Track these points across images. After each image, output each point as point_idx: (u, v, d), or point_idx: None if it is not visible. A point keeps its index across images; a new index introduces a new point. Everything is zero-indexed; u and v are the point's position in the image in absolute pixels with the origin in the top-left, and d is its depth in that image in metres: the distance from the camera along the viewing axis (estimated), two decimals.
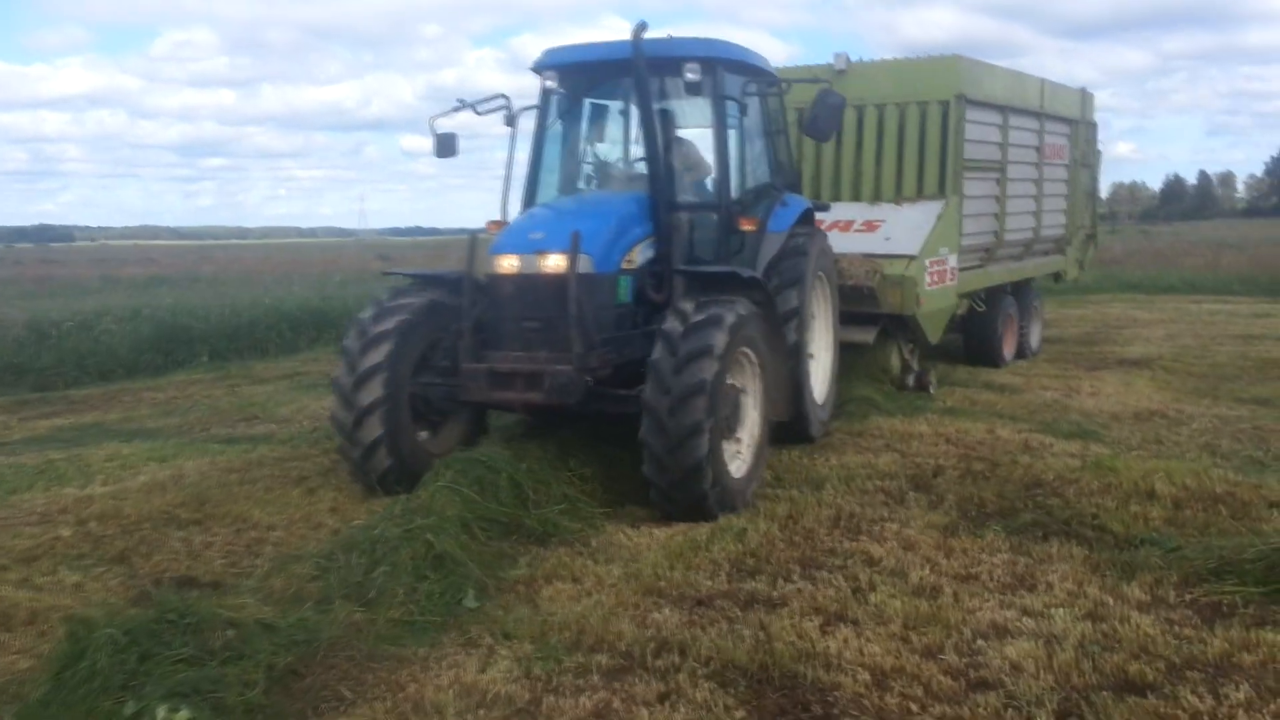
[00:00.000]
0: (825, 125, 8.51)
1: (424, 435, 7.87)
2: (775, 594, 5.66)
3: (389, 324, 7.41)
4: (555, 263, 7.05)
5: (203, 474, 8.25)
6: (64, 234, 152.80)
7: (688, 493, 6.69)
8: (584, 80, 8.60)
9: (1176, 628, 5.15)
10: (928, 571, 5.97)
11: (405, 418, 7.45)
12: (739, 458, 7.36)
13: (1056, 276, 15.57)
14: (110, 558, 6.22)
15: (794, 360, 8.44)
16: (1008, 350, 13.62)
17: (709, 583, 5.79)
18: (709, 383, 6.55)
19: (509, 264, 7.26)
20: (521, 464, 6.95)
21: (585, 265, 7.07)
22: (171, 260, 53.19)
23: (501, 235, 7.58)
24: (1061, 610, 5.37)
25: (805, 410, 8.79)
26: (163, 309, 18.47)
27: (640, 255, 7.69)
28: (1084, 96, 15.11)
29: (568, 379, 6.79)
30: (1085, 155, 15.30)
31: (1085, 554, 6.24)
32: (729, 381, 7.02)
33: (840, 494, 7.58)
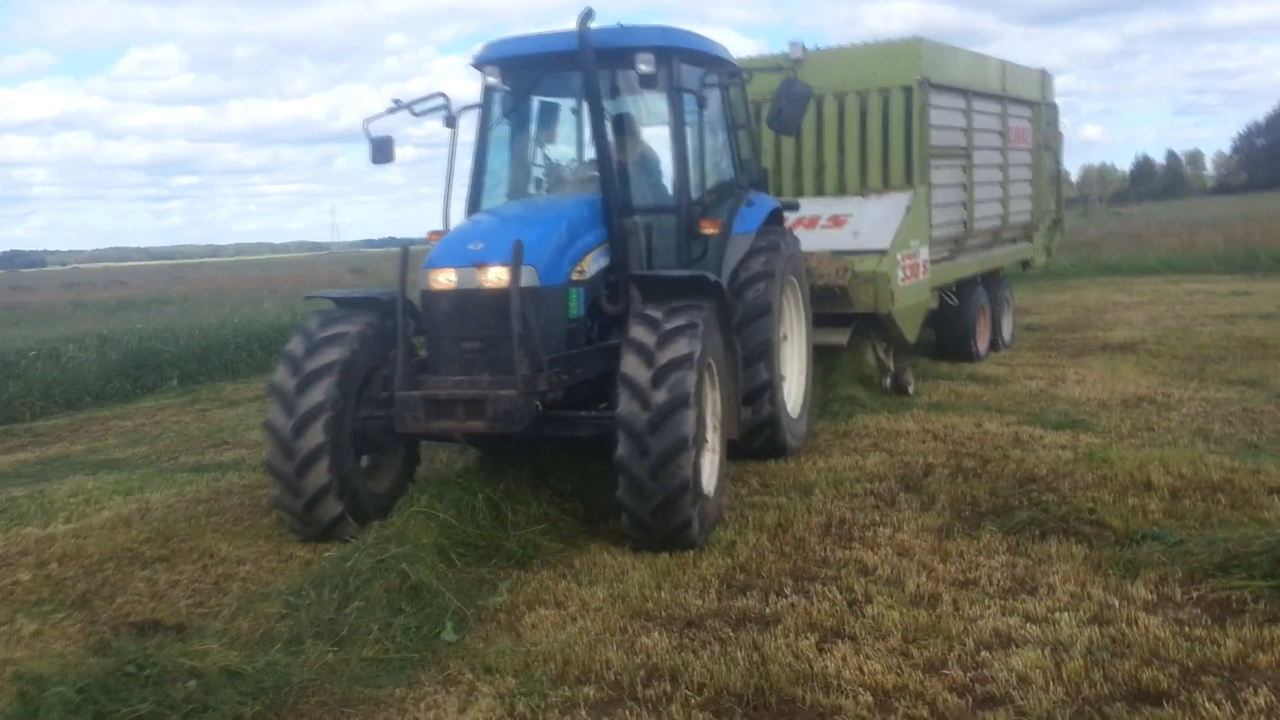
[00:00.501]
0: (791, 117, 7.82)
1: (363, 468, 7.20)
2: (768, 610, 5.43)
3: (327, 357, 6.69)
4: (496, 276, 6.40)
5: (169, 506, 7.94)
6: (36, 259, 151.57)
7: (671, 518, 6.13)
8: (529, 75, 7.93)
9: (1186, 628, 4.96)
10: (925, 578, 5.76)
11: (351, 458, 6.80)
12: (707, 473, 6.75)
13: (1025, 264, 15.30)
14: (71, 602, 5.91)
15: (766, 364, 8.00)
16: (981, 344, 13.27)
17: (698, 602, 5.56)
18: (691, 395, 6.07)
19: (445, 279, 6.57)
20: (499, 484, 6.69)
21: (530, 277, 6.45)
22: (142, 282, 52.70)
23: (437, 247, 6.89)
24: (1066, 614, 5.17)
25: (778, 421, 8.27)
26: (130, 333, 18.14)
27: (593, 264, 7.09)
28: (1043, 77, 14.83)
29: (512, 404, 6.16)
30: (1048, 138, 15.02)
31: (1086, 552, 6.04)
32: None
33: (830, 499, 7.36)
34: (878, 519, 6.88)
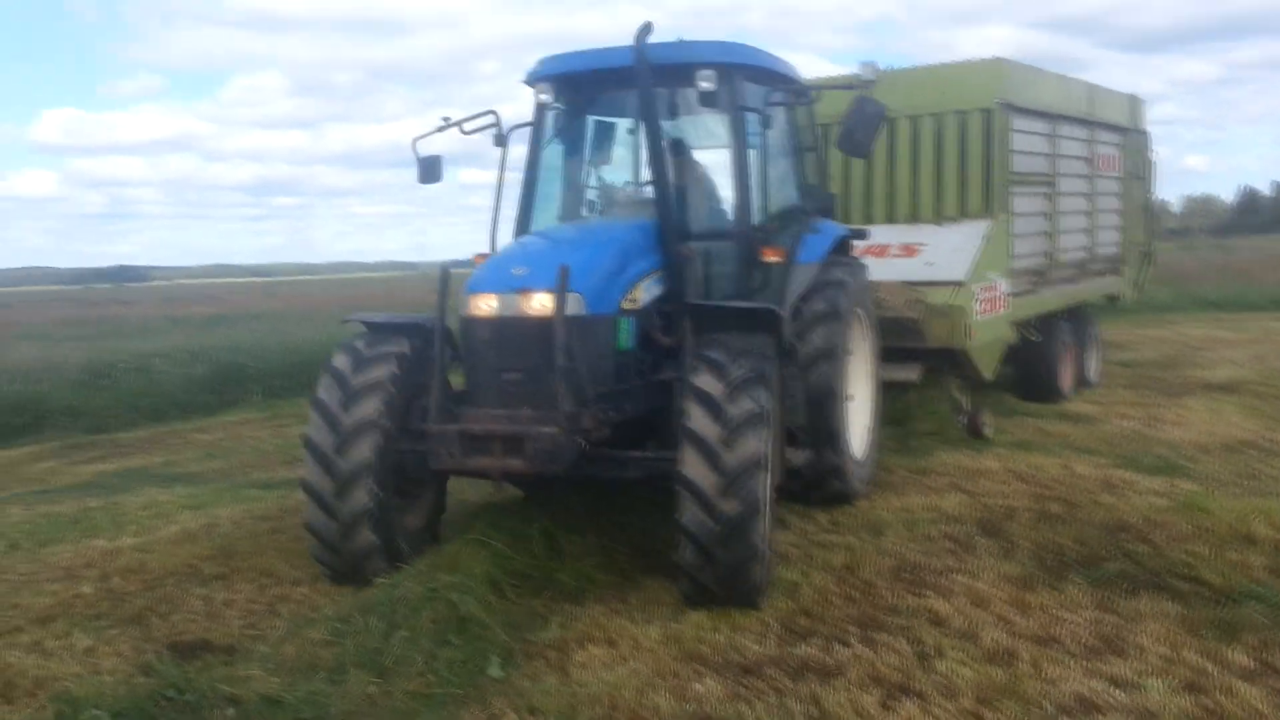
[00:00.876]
0: (863, 138, 7.19)
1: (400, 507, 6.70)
2: (830, 660, 5.15)
3: (376, 373, 6.29)
4: (540, 303, 6.00)
5: (235, 523, 7.95)
6: (141, 274, 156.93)
7: (738, 585, 5.66)
8: (583, 93, 7.55)
9: None
10: (1001, 633, 5.42)
11: (390, 488, 6.31)
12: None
13: (1112, 299, 14.46)
14: (127, 618, 5.90)
15: (831, 408, 7.46)
16: (1066, 383, 12.51)
17: (757, 647, 5.30)
18: (766, 456, 5.56)
19: (486, 305, 6.18)
20: (556, 512, 6.51)
21: (577, 305, 6.03)
22: (237, 298, 54.00)
23: (479, 270, 6.53)
24: (1156, 680, 4.79)
25: (844, 470, 7.69)
26: (219, 348, 18.49)
27: (645, 293, 6.62)
28: (1133, 103, 14.13)
29: (555, 443, 5.71)
30: (1137, 166, 14.28)
31: (1180, 611, 5.64)
32: None
33: (902, 541, 7.03)
34: (953, 565, 6.53)
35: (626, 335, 6.47)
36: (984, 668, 4.99)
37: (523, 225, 7.59)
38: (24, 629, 5.76)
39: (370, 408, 6.16)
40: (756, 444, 5.50)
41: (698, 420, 5.57)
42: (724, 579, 5.60)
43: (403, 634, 5.06)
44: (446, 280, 6.39)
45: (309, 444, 6.20)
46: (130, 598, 6.23)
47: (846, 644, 5.34)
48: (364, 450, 6.09)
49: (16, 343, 23.00)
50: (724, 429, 5.51)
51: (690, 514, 5.51)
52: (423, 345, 6.52)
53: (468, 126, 7.50)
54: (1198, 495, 7.73)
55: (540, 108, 7.58)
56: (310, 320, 29.64)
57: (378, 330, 6.73)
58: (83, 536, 7.68)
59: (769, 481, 5.65)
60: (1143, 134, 14.46)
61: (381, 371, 6.29)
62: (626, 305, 6.46)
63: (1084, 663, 5.04)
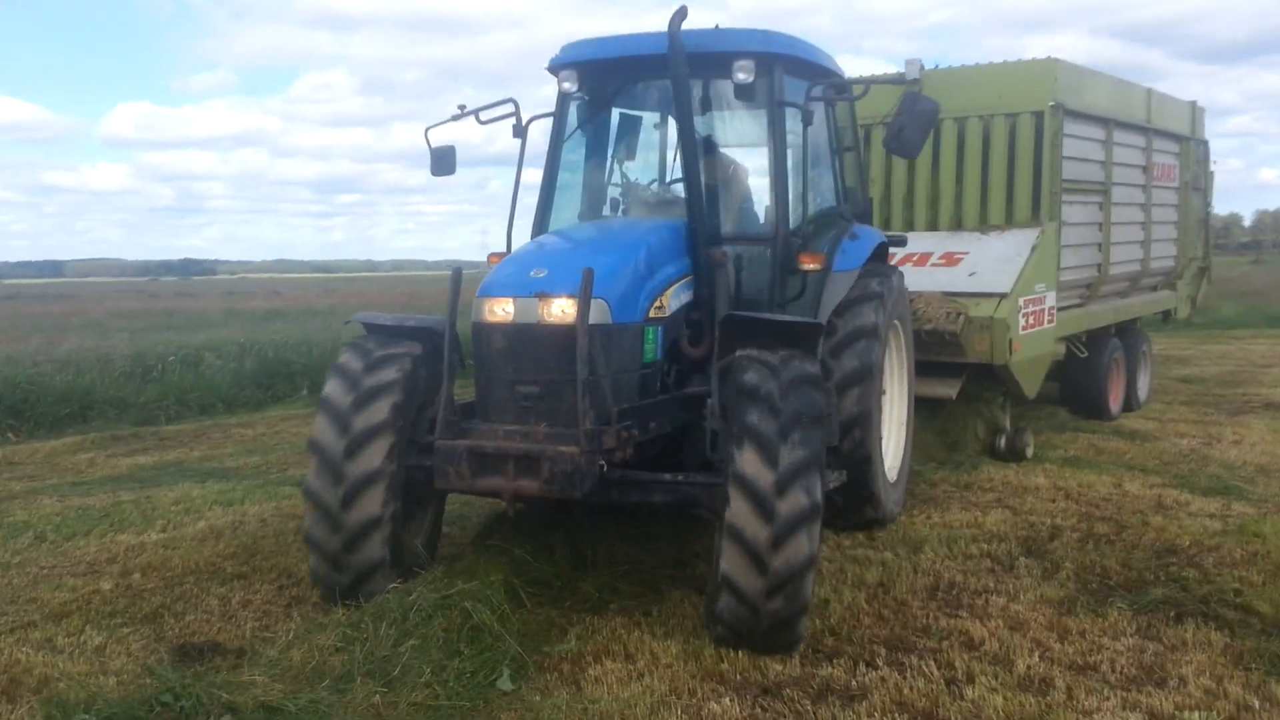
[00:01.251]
0: (912, 137, 6.70)
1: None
2: (854, 684, 4.94)
3: (389, 374, 5.82)
4: (560, 309, 5.48)
5: (263, 521, 7.92)
6: (208, 268, 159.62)
7: (781, 638, 5.18)
8: (611, 82, 7.05)
9: None
10: (1037, 659, 5.18)
11: (399, 498, 5.83)
12: None
13: (1166, 315, 13.78)
14: (142, 616, 5.84)
15: (864, 432, 6.99)
16: (1114, 402, 11.91)
17: (779, 667, 5.10)
18: (820, 504, 5.08)
19: (500, 310, 5.68)
20: (581, 520, 6.34)
21: (600, 313, 5.55)
22: (297, 293, 54.57)
23: (494, 272, 6.02)
24: (1197, 715, 4.54)
25: (875, 489, 7.21)
26: (270, 343, 18.58)
27: (673, 300, 6.17)
28: (1194, 110, 13.49)
29: (573, 464, 5.20)
30: (1196, 177, 13.64)
31: (1226, 641, 5.36)
32: None
33: (940, 559, 6.79)
34: (992, 585, 6.29)
35: (653, 346, 6.01)
36: (1016, 696, 4.76)
37: (541, 224, 7.17)
38: (38, 624, 5.72)
39: (384, 410, 5.71)
40: (812, 492, 5.01)
41: (749, 463, 5.02)
42: (768, 632, 5.14)
43: (413, 642, 4.93)
44: (459, 281, 5.97)
45: (315, 447, 5.73)
46: (148, 595, 6.18)
47: (874, 666, 5.13)
48: (376, 455, 5.62)
49: (70, 333, 23.29)
50: (777, 475, 4.98)
51: (734, 563, 5.01)
52: (431, 351, 6.08)
53: (485, 116, 7.03)
54: (1252, 520, 7.40)
55: (563, 97, 7.11)
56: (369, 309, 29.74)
57: (381, 333, 6.25)
58: (110, 530, 7.67)
59: (820, 530, 5.15)
60: (1203, 143, 13.86)
61: (395, 372, 5.84)
62: (654, 314, 6.00)
63: (1122, 693, 4.79)
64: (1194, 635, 5.43)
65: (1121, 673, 5.02)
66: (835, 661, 5.18)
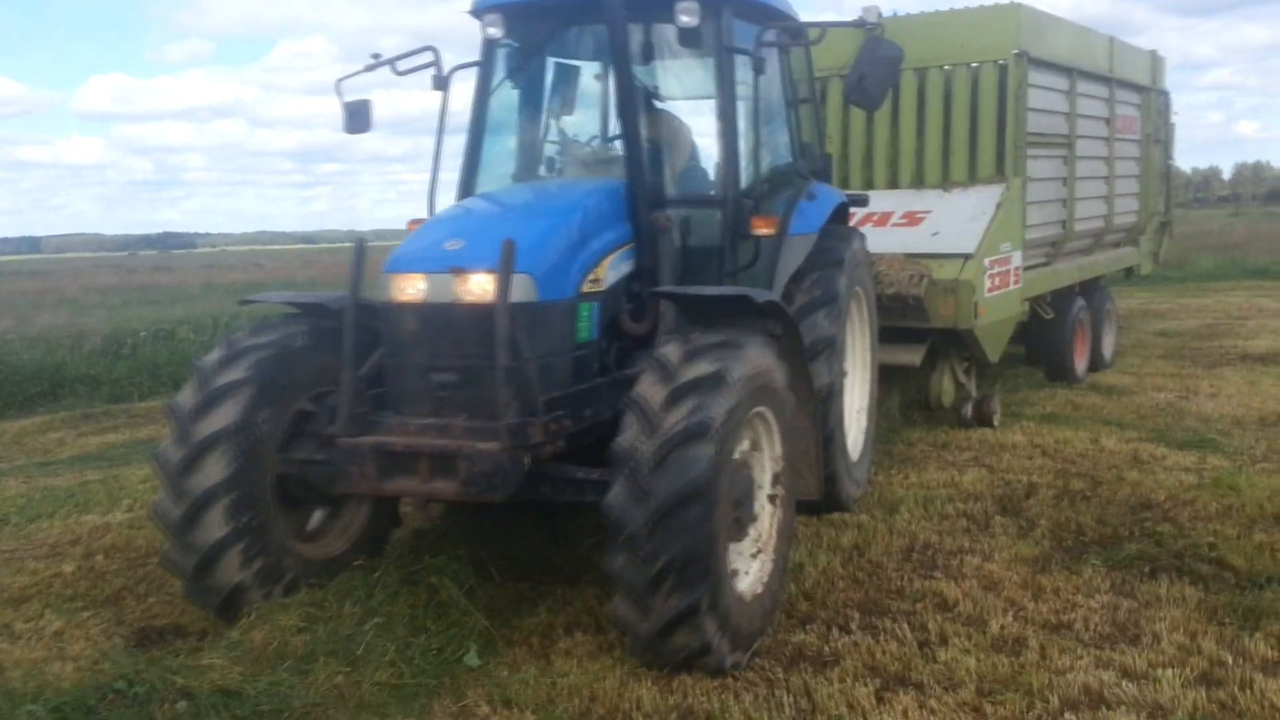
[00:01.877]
0: (874, 87, 6.10)
1: (309, 526, 5.60)
2: (827, 649, 4.89)
3: (239, 371, 5.13)
4: (479, 286, 4.87)
5: None
6: (187, 241, 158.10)
7: (679, 645, 4.47)
8: (542, 27, 6.35)
9: None
10: (1010, 619, 5.15)
11: (269, 509, 5.18)
12: (752, 570, 5.04)
13: (1129, 272, 13.45)
14: (104, 599, 5.73)
15: (825, 409, 6.42)
16: (1080, 363, 11.57)
17: None
18: (703, 480, 4.35)
19: (411, 288, 5.05)
20: None
21: (525, 289, 4.94)
22: (277, 264, 54.04)
23: (404, 244, 5.38)
24: (1170, 671, 4.51)
25: (835, 469, 6.67)
26: (246, 315, 18.35)
27: (611, 271, 5.53)
28: (1154, 60, 13.11)
29: (494, 462, 4.59)
30: (1158, 129, 13.29)
31: (1200, 596, 5.34)
32: (736, 458, 4.82)
33: (916, 519, 6.75)
34: (967, 545, 6.26)
35: (588, 324, 5.38)
36: (989, 656, 4.73)
37: (467, 187, 6.47)
38: None
39: (227, 415, 5.01)
40: (691, 468, 4.32)
41: (628, 435, 4.48)
42: (661, 634, 4.43)
43: (378, 620, 4.83)
44: (362, 255, 5.27)
45: (156, 459, 5.14)
46: (110, 577, 6.05)
47: (847, 631, 5.09)
48: (217, 468, 4.95)
49: (44, 310, 23.03)
50: (655, 446, 4.37)
51: (614, 553, 4.41)
52: (328, 333, 5.42)
53: (402, 66, 6.34)
54: (1227, 472, 7.39)
55: (489, 44, 6.39)
56: (342, 287, 29.54)
57: (290, 309, 5.72)
58: (75, 511, 7.53)
59: (709, 514, 4.37)
60: (1164, 94, 13.46)
61: (248, 368, 5.15)
62: (588, 288, 5.36)
63: (1095, 651, 4.76)
64: (1168, 591, 5.40)
65: (1095, 631, 5.00)
66: (809, 627, 5.13)
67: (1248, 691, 4.31)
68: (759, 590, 4.96)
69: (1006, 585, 5.59)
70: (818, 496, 6.09)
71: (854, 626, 5.12)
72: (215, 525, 4.96)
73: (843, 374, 6.91)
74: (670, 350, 4.73)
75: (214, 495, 4.96)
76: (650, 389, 4.56)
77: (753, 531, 5.08)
